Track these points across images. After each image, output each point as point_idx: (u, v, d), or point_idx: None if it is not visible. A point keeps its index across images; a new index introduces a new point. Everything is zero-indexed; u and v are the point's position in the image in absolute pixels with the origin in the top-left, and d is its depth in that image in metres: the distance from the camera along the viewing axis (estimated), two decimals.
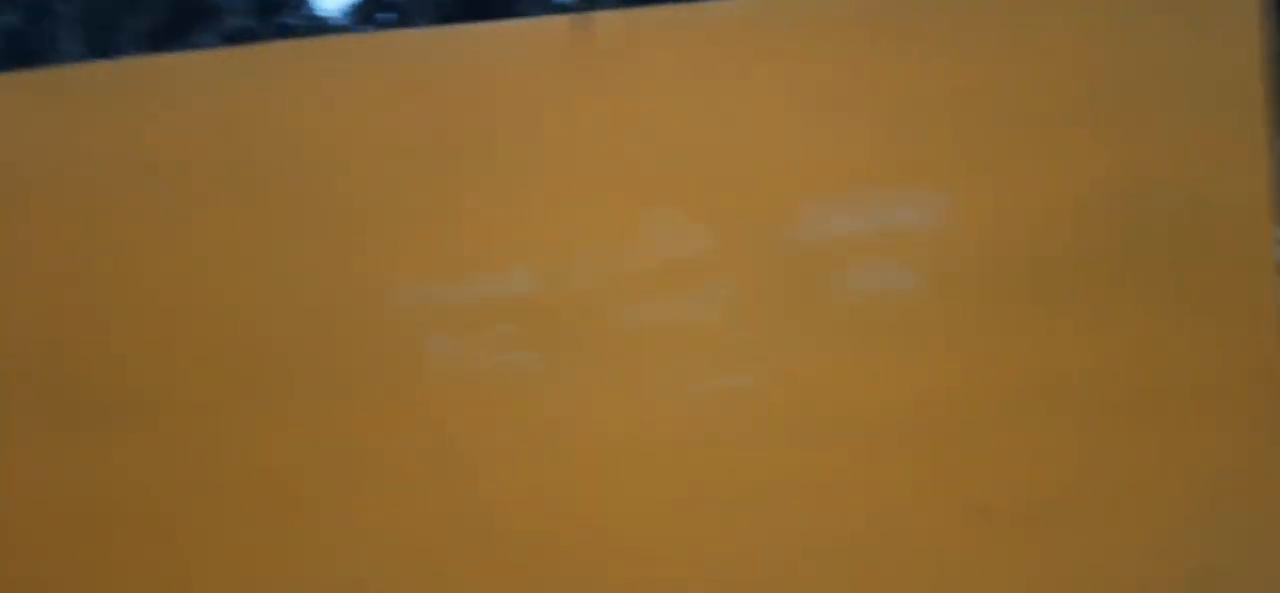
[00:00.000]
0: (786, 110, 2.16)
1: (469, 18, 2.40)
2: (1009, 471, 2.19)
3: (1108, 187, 2.19)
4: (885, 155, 2.17)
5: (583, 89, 2.14)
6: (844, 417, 2.18)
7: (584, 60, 2.14)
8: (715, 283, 2.16)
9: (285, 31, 8.49)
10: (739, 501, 2.19)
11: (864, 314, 2.17)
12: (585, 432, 2.16)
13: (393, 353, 2.14)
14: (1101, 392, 2.19)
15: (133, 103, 2.15)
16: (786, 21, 2.17)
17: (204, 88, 2.18)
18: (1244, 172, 2.20)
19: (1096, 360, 2.19)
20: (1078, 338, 2.19)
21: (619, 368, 2.15)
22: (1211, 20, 2.21)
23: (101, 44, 7.76)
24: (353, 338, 2.14)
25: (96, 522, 2.12)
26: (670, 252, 2.14)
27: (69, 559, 2.12)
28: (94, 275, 2.13)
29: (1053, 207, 2.18)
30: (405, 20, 7.07)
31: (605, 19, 2.17)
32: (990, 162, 2.18)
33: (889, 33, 2.18)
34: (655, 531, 2.18)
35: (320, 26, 8.72)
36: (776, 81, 2.15)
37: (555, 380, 2.14)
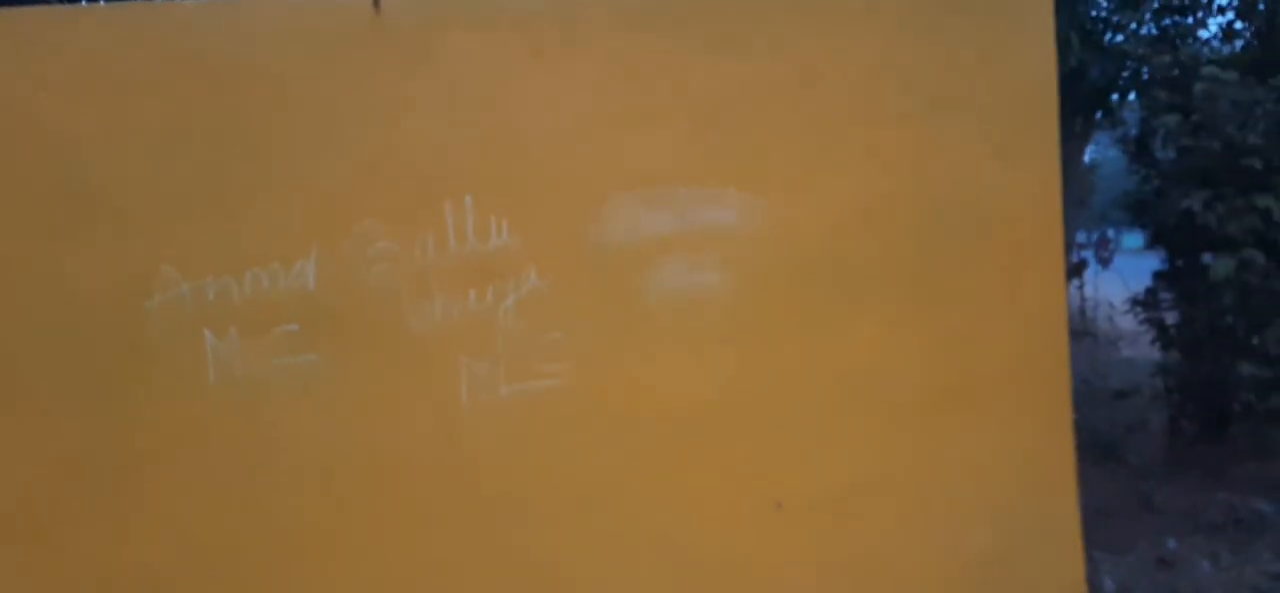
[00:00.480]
0: (594, 106, 2.11)
1: None
2: (806, 463, 2.23)
3: (909, 189, 2.26)
4: (693, 155, 2.16)
5: (375, 72, 2.02)
6: (651, 415, 2.16)
7: (377, 42, 2.01)
8: (520, 280, 2.09)
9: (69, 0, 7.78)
10: (546, 504, 2.13)
11: (671, 313, 2.15)
12: (377, 441, 2.03)
13: (161, 356, 1.95)
14: (897, 388, 2.26)
15: None
16: (595, 15, 2.11)
17: None
18: (1036, 178, 2.33)
19: (894, 359, 2.26)
20: (877, 337, 2.25)
21: (414, 372, 2.04)
22: (1007, 30, 2.32)
23: None
24: (115, 340, 1.93)
25: None
26: (471, 248, 2.04)
27: None
28: None
29: (857, 207, 2.24)
30: None
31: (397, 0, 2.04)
32: (797, 163, 2.21)
33: (700, 32, 2.17)
34: (457, 540, 2.08)
35: None
36: (584, 75, 2.10)
37: (343, 385, 2.01)
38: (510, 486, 2.12)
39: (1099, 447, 4.86)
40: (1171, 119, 4.29)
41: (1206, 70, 4.10)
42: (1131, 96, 6.15)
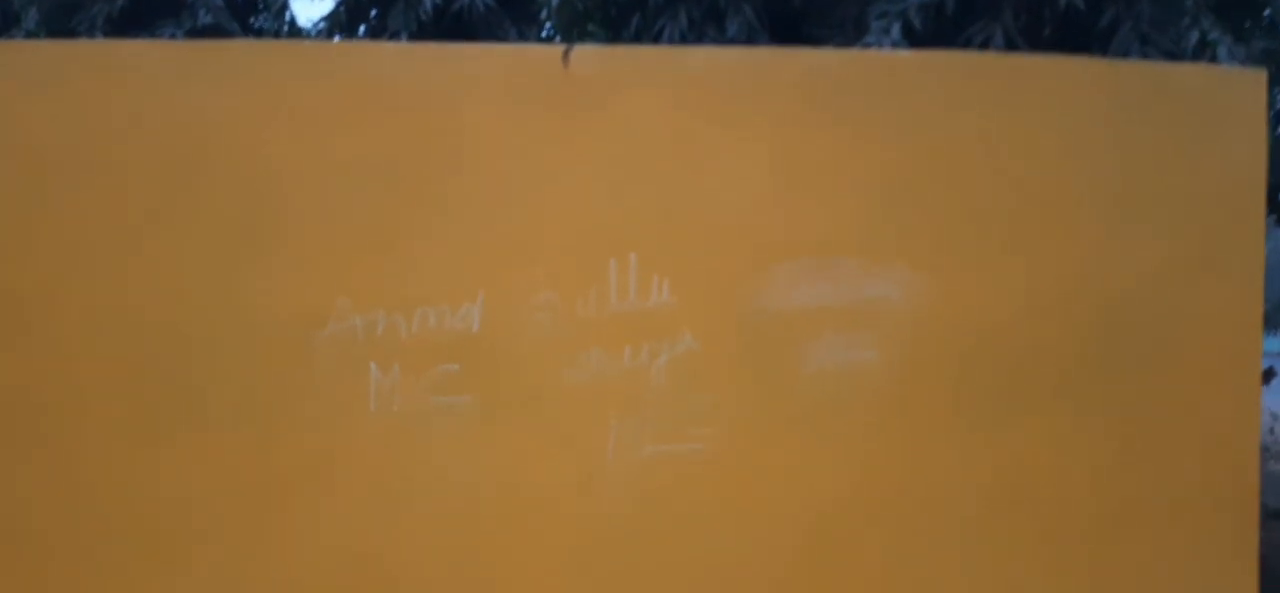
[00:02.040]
0: (764, 170, 2.13)
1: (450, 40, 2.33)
2: (954, 574, 2.15)
3: (1091, 284, 2.18)
4: (863, 227, 2.14)
5: (556, 123, 2.09)
6: (791, 493, 2.13)
7: (560, 94, 2.09)
8: (675, 341, 2.11)
9: (256, 34, 8.40)
10: (673, 576, 2.12)
11: (826, 390, 2.13)
12: (520, 486, 2.08)
13: (327, 384, 2.05)
14: (1070, 499, 2.16)
15: (71, 87, 2.04)
16: (771, 79, 2.14)
17: (151, 79, 2.05)
18: (1235, 283, 2.21)
19: (1060, 471, 2.17)
20: (1048, 438, 2.16)
21: (561, 423, 2.08)
22: (1213, 118, 2.22)
23: (61, 24, 7.64)
24: (285, 366, 2.05)
25: None
26: (631, 304, 2.09)
27: None
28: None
29: (1034, 295, 2.17)
30: (383, 36, 7.06)
31: (585, 54, 2.13)
32: (971, 245, 2.16)
33: (877, 102, 2.16)
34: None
35: (295, 34, 8.66)
36: (756, 139, 2.12)
37: (493, 428, 2.07)
38: (645, 546, 2.12)
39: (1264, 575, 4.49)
40: None
41: None
42: None
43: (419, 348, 2.06)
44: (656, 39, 5.19)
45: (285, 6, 8.66)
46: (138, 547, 2.03)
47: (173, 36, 7.20)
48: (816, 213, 2.13)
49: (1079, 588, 2.17)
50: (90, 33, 7.34)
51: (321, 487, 2.05)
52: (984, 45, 4.45)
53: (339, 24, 7.72)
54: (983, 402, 2.16)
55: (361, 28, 7.82)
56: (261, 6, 8.79)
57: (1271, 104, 5.50)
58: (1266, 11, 5.48)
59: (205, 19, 7.60)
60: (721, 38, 5.10)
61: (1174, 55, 4.47)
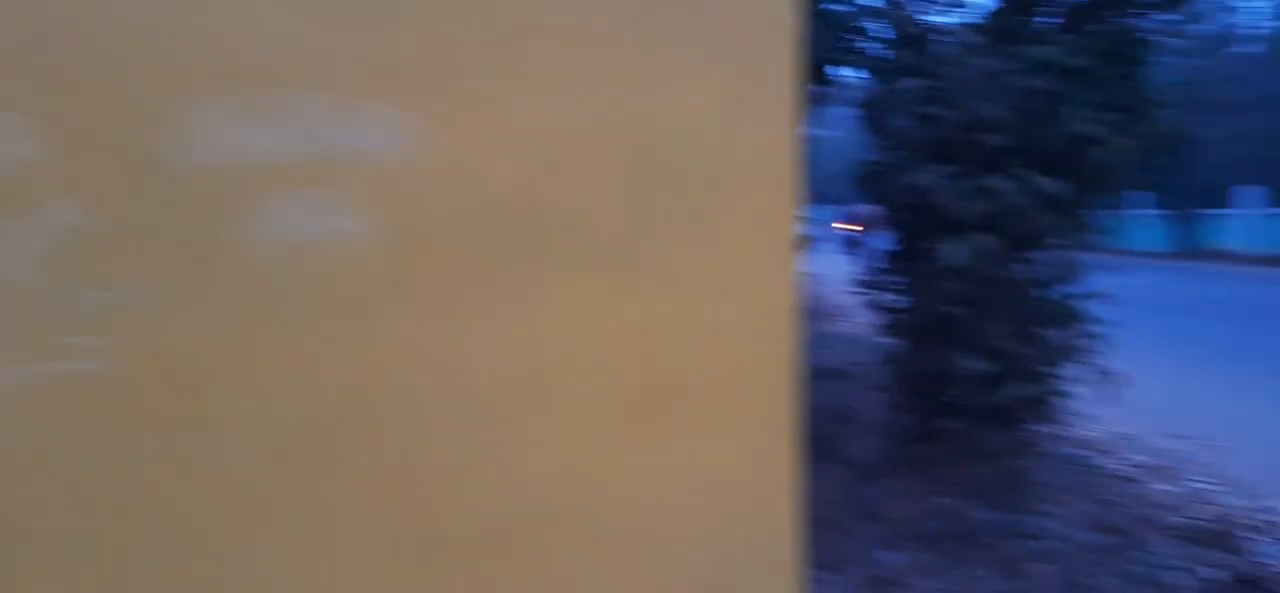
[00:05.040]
0: None
1: None
2: (468, 484, 1.86)
3: (618, 128, 1.93)
4: (322, 47, 1.69)
5: None
6: (243, 416, 1.68)
7: None
8: (51, 214, 1.53)
9: None
10: (72, 542, 1.60)
11: (282, 271, 1.69)
12: None
13: None
14: (593, 383, 1.95)
15: None
16: None
17: None
18: (768, 132, 2.08)
19: (594, 345, 1.94)
20: (573, 317, 1.92)
21: None
22: None
23: None
24: None
25: None
26: None
27: None
28: None
29: (552, 146, 1.88)
30: None
31: None
32: (477, 78, 1.81)
33: None
34: None
35: None
36: None
37: None
38: (14, 514, 1.57)
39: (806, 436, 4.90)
40: (910, 84, 4.34)
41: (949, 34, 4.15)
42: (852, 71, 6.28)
43: None
44: None
45: None
46: None
47: None
48: (251, 28, 1.63)
49: (614, 475, 1.99)
50: None
51: None
52: None
53: None
54: (494, 273, 1.85)
55: None
56: None
57: None
58: None
59: None
60: None
61: None
